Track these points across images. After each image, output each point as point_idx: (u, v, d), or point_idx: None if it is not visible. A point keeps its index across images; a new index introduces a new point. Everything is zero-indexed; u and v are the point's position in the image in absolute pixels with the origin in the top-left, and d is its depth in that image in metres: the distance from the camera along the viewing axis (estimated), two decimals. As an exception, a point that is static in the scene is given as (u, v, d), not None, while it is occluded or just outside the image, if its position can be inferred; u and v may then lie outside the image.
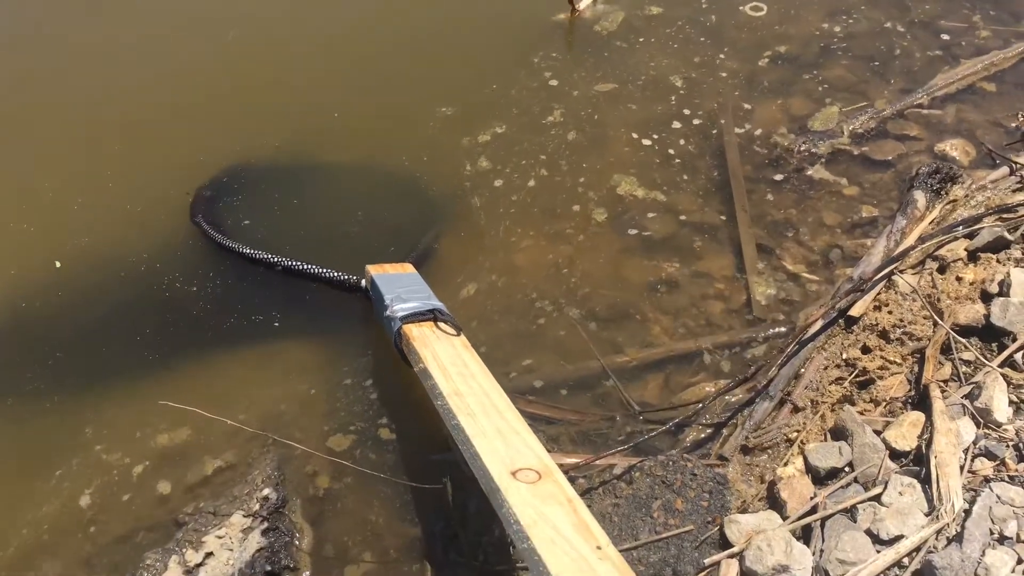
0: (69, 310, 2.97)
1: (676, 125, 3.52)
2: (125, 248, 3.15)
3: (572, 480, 2.34)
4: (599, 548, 1.80)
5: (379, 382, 2.70)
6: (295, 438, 2.53)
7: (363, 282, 2.86)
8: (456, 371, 2.37)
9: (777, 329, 2.77)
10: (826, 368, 2.61)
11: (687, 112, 3.58)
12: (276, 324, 2.90)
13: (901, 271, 2.78)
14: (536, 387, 2.66)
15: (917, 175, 3.15)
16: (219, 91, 3.82)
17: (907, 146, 3.38)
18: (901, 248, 2.85)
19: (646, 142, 3.46)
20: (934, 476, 2.10)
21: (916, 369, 2.48)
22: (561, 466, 2.09)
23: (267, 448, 2.53)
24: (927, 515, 2.04)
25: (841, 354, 2.62)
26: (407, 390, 2.62)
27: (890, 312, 2.67)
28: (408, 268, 2.89)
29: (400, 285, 2.72)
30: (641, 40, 3.98)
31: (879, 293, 2.74)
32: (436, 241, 3.15)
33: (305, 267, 2.96)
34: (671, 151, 3.42)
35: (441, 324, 2.57)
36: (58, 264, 3.11)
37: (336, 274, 2.94)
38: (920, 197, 3.05)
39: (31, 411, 2.70)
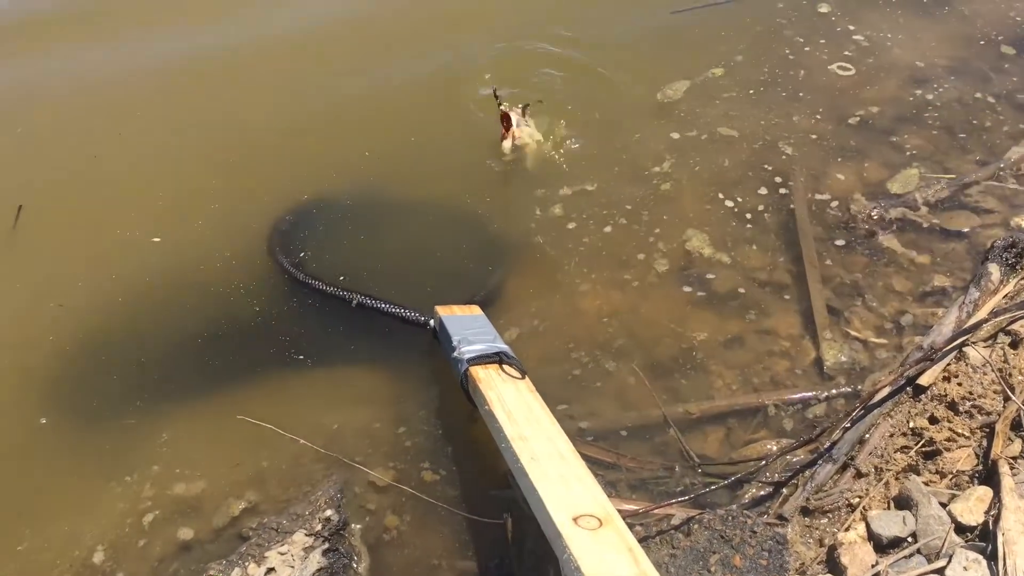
0: (152, 325, 3.10)
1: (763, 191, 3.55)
2: (207, 271, 3.29)
3: (629, 527, 2.35)
4: (659, 597, 1.82)
5: (443, 415, 2.76)
6: (359, 462, 2.60)
7: (431, 322, 2.94)
8: (521, 415, 2.41)
9: (843, 390, 2.76)
10: (892, 435, 2.58)
11: (779, 180, 3.58)
12: (348, 352, 2.99)
13: (973, 343, 2.75)
14: (595, 432, 2.69)
15: (992, 247, 3.11)
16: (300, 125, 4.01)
17: (982, 218, 3.35)
18: (973, 320, 2.82)
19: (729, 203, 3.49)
20: (1001, 553, 2.06)
21: (984, 443, 2.44)
22: (619, 512, 2.11)
23: (331, 470, 2.60)
24: (993, 593, 2.01)
25: (908, 422, 2.60)
26: (470, 425, 2.67)
27: (960, 384, 2.63)
28: (475, 310, 2.96)
29: (467, 327, 2.78)
30: (718, 101, 4.04)
31: (949, 364, 2.71)
32: (502, 283, 3.22)
33: (379, 304, 3.04)
34: (748, 215, 3.44)
35: (506, 367, 2.62)
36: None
37: (408, 312, 3.01)
38: (994, 270, 3.02)
39: (114, 417, 2.82)
